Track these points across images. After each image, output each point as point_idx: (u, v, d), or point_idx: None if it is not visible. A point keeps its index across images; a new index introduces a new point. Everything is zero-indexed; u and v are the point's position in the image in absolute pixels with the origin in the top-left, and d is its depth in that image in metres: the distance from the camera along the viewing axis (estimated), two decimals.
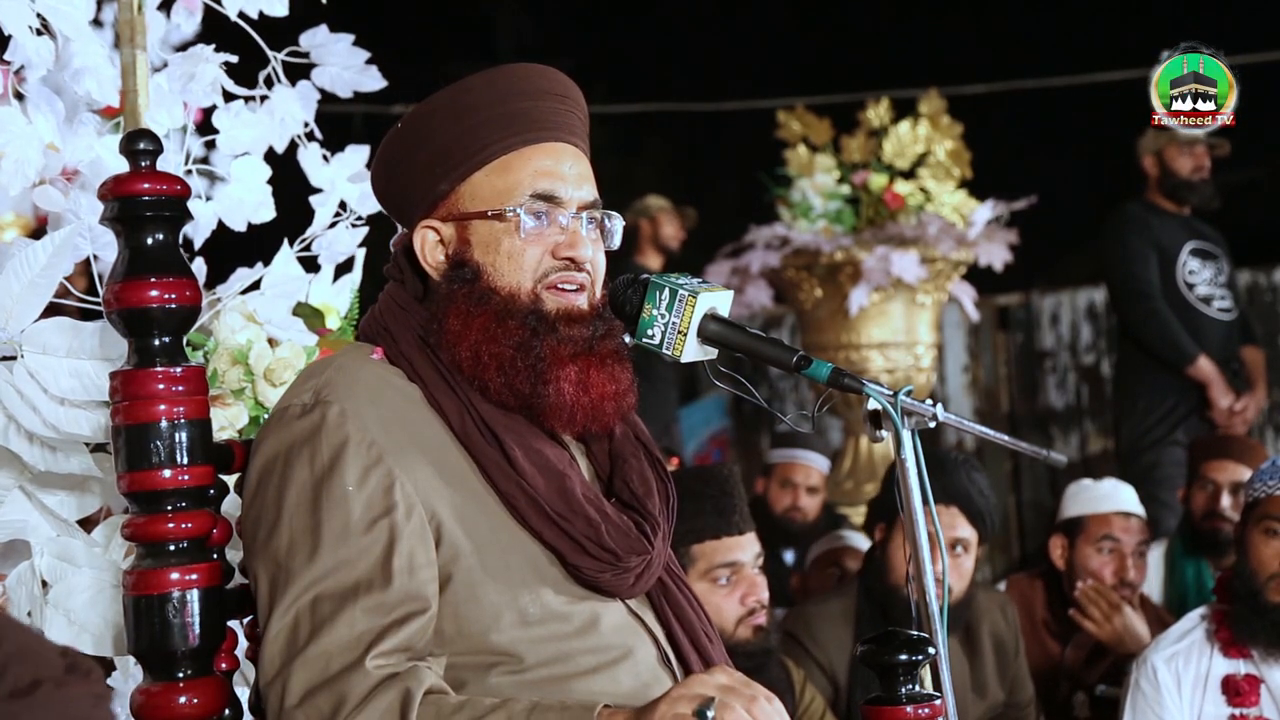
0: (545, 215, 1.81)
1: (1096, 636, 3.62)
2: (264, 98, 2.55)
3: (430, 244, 1.83)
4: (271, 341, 2.29)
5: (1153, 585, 4.16)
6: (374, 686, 1.60)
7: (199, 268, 2.33)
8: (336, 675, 1.61)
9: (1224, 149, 5.41)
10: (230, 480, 1.92)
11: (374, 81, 2.62)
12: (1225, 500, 4.12)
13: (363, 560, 1.66)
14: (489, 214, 1.80)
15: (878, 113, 5.58)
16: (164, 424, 1.75)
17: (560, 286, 1.80)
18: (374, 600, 1.65)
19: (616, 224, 1.88)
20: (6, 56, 2.19)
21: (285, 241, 2.48)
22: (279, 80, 2.56)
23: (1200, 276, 5.40)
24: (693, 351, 1.82)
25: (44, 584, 1.96)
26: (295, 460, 1.71)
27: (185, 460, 1.76)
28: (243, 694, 1.90)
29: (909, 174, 5.51)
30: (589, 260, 1.82)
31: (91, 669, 1.14)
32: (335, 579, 1.66)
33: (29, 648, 1.12)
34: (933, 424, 1.79)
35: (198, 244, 2.52)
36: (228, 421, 2.24)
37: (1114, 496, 3.81)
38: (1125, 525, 3.75)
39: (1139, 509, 3.82)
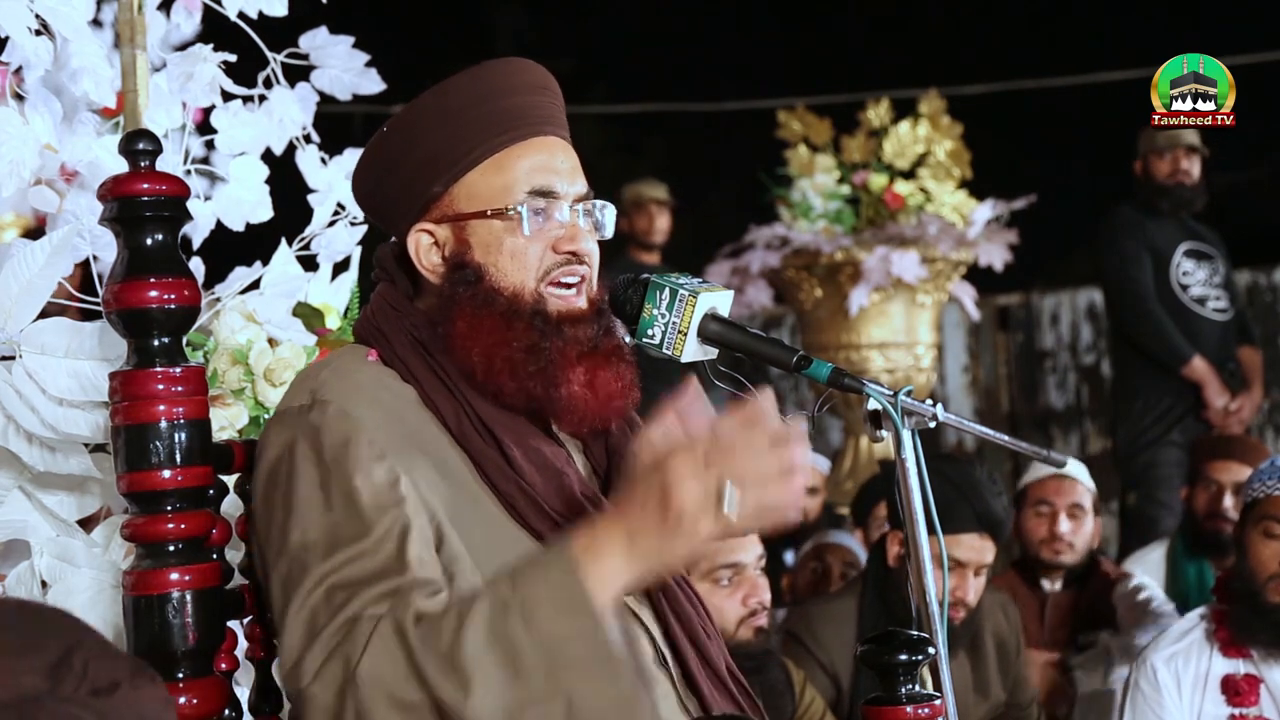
0: (544, 211, 1.80)
1: None
2: (262, 98, 2.54)
3: (424, 247, 1.82)
4: (271, 341, 2.29)
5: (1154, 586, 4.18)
6: (371, 632, 1.58)
7: (197, 267, 2.33)
8: (344, 639, 1.59)
9: (1204, 152, 5.41)
10: (230, 480, 1.91)
11: (373, 84, 2.62)
12: (1228, 500, 4.12)
13: (378, 551, 1.64)
14: (489, 213, 1.79)
15: (878, 113, 5.58)
16: (164, 424, 1.75)
17: (563, 281, 1.80)
18: (391, 585, 1.63)
19: (609, 214, 1.88)
20: (5, 57, 2.19)
21: (284, 241, 2.48)
22: (278, 82, 2.56)
23: (1194, 278, 5.41)
24: (693, 351, 1.82)
25: (44, 584, 1.96)
26: (300, 459, 1.70)
27: (185, 460, 1.75)
28: (243, 694, 1.90)
29: (909, 174, 5.52)
30: (589, 253, 1.82)
31: (156, 674, 1.17)
32: (350, 569, 1.64)
33: (106, 649, 1.14)
34: (933, 424, 1.79)
35: (196, 244, 2.52)
36: (228, 421, 2.23)
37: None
38: (1058, 487, 3.90)
39: (1076, 472, 3.94)
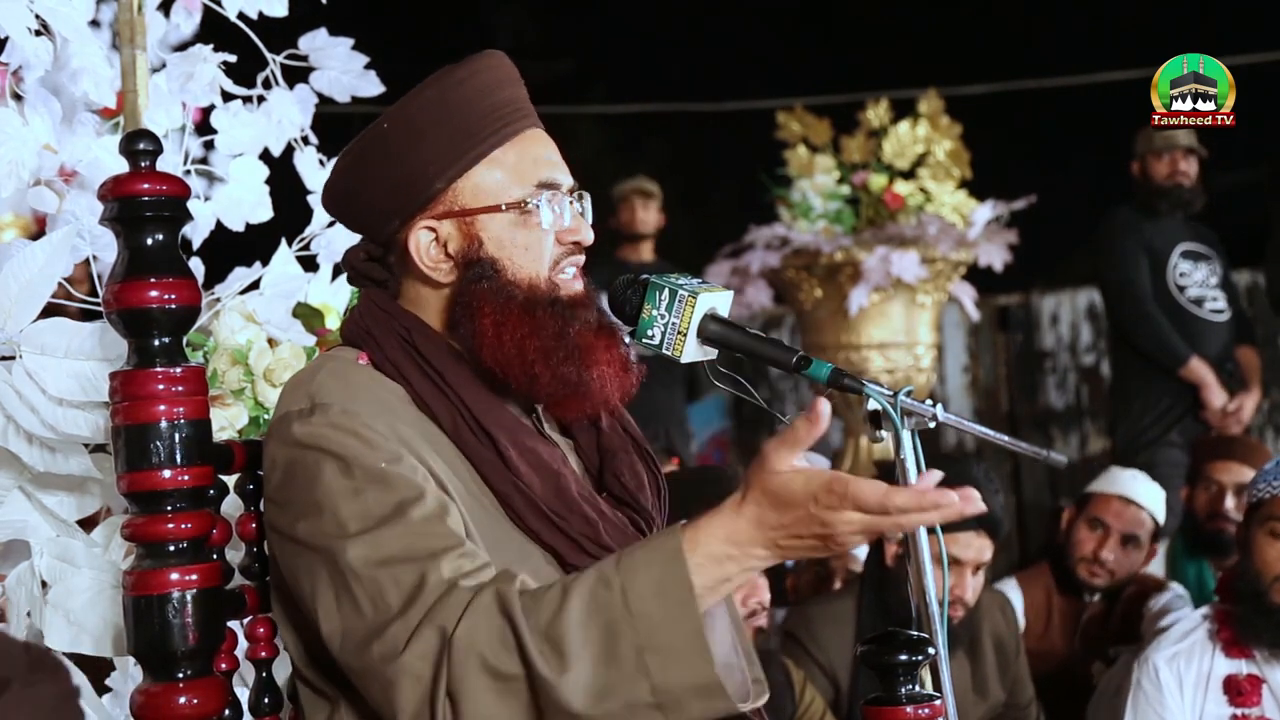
0: (554, 204, 1.82)
1: None
2: (261, 98, 2.54)
3: (425, 243, 1.82)
4: (271, 341, 2.29)
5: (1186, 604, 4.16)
6: (468, 602, 1.57)
7: (197, 267, 2.33)
8: (433, 607, 1.58)
9: (1201, 152, 5.41)
10: (230, 480, 1.91)
11: (372, 86, 2.62)
12: (1229, 501, 4.13)
13: (430, 522, 1.63)
14: (503, 207, 1.80)
15: (877, 113, 5.58)
16: (164, 424, 1.75)
17: (568, 270, 1.83)
18: (456, 554, 1.62)
19: (588, 203, 1.90)
20: (4, 57, 2.19)
21: (283, 241, 2.48)
22: (277, 83, 2.56)
23: (1191, 279, 5.41)
24: (693, 352, 1.82)
25: (44, 584, 1.96)
26: (316, 457, 1.68)
27: (185, 460, 1.75)
28: (243, 694, 1.90)
29: (909, 174, 5.51)
30: (588, 241, 1.85)
31: (58, 666, 1.12)
32: (405, 545, 1.62)
33: (2, 646, 1.10)
34: (932, 424, 1.79)
35: (196, 244, 2.52)
36: (228, 421, 2.24)
37: (1124, 482, 3.94)
38: (1119, 510, 3.87)
39: (1146, 500, 3.90)
